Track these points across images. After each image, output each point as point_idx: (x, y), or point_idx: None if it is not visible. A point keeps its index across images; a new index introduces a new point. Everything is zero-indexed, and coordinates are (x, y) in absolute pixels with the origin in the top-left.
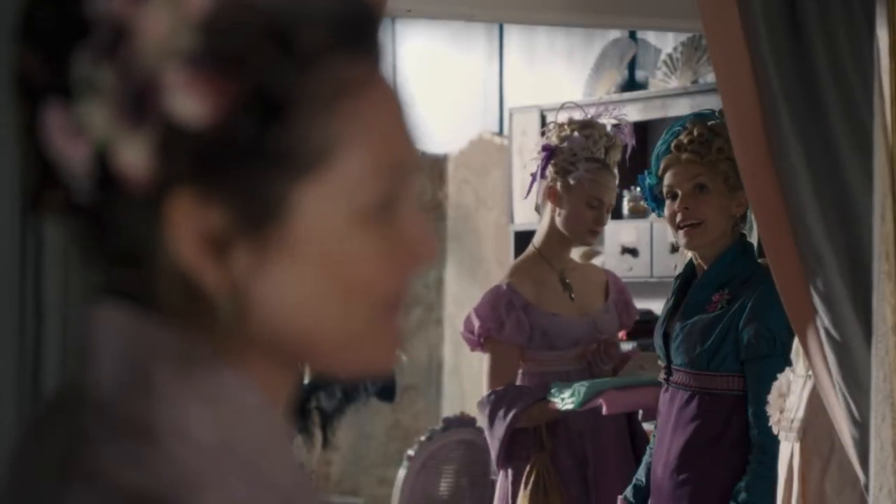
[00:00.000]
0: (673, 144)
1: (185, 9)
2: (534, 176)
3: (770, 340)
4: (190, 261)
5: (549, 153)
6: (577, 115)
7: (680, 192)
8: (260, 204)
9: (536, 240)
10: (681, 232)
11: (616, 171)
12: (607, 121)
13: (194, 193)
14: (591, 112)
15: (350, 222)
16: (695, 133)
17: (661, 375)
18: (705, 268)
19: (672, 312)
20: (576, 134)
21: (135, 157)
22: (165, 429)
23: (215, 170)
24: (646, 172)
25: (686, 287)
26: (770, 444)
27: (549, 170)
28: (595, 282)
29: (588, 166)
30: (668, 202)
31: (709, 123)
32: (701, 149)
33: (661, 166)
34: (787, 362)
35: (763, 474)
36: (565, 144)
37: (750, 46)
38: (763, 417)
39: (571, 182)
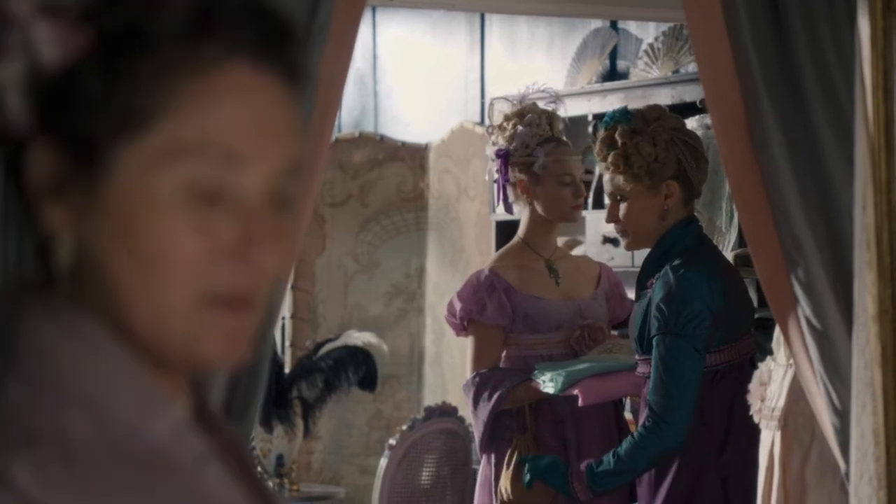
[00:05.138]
0: (597, 156)
1: None
2: (498, 182)
3: (660, 320)
4: (34, 203)
5: (505, 156)
6: (507, 108)
7: (610, 199)
8: (89, 156)
9: (520, 231)
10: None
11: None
12: (537, 98)
13: (44, 138)
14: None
15: (169, 196)
16: (599, 144)
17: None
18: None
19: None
20: (519, 128)
21: (12, 97)
22: (11, 379)
23: (58, 116)
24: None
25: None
26: (671, 420)
27: (511, 170)
28: (586, 272)
29: (546, 149)
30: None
31: (621, 128)
32: (615, 159)
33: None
34: (682, 336)
35: (647, 441)
36: (514, 144)
37: (731, 36)
38: (656, 396)
39: (537, 171)
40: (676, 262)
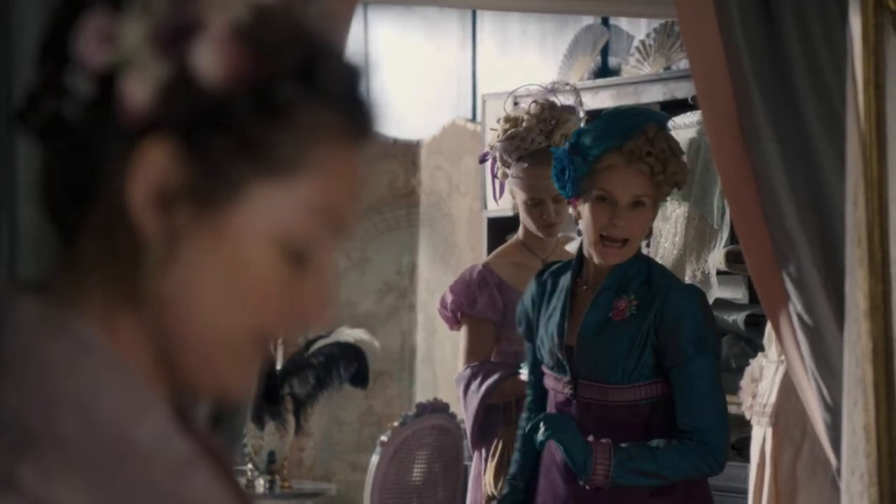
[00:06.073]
0: (626, 148)
1: None
2: (493, 177)
3: (696, 343)
4: (138, 203)
5: (492, 161)
6: (515, 106)
7: (618, 203)
8: (218, 180)
9: (519, 230)
10: (601, 246)
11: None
12: (561, 98)
13: (169, 146)
14: (549, 95)
15: (270, 243)
16: (655, 147)
17: (566, 391)
18: (594, 270)
19: (566, 321)
20: (498, 142)
21: (142, 86)
22: (2, 381)
23: (198, 131)
24: (569, 147)
25: (572, 291)
26: (718, 444)
27: (501, 170)
28: None
29: (516, 169)
30: (596, 204)
31: (667, 134)
32: (656, 165)
33: (603, 162)
34: (718, 359)
35: (692, 456)
36: (494, 151)
37: (723, 33)
38: (704, 421)
39: (509, 186)
40: (667, 281)
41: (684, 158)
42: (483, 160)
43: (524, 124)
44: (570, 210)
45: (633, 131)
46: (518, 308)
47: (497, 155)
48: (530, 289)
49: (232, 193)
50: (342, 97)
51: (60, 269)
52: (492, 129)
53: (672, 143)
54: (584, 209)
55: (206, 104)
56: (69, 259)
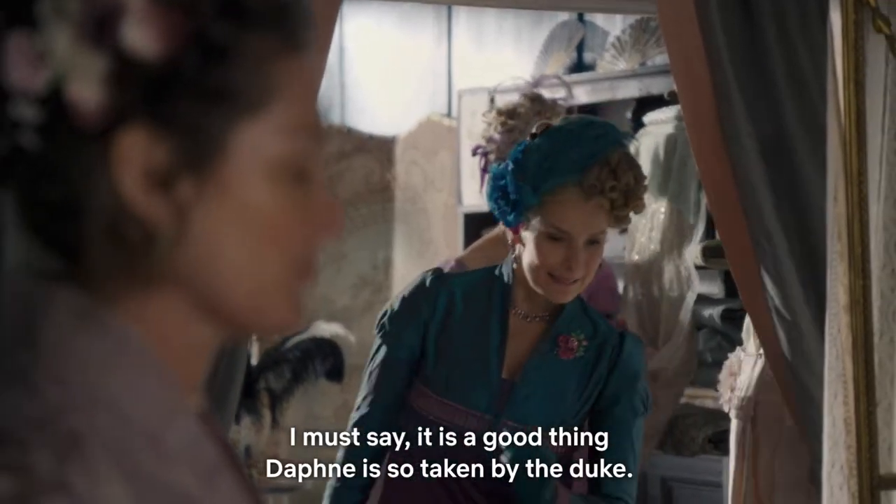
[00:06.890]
0: (587, 182)
1: None
2: (482, 171)
3: (644, 402)
4: (136, 197)
5: (484, 153)
6: (510, 98)
7: (573, 242)
8: (200, 140)
9: (499, 225)
10: (553, 283)
11: None
12: (550, 92)
13: (141, 129)
14: (535, 88)
15: (267, 174)
16: (620, 180)
17: (480, 430)
18: (527, 296)
19: (500, 352)
20: (497, 134)
21: (89, 87)
22: (42, 377)
23: (162, 105)
24: (513, 169)
25: (505, 317)
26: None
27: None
28: None
29: None
30: (546, 241)
31: (631, 158)
32: (618, 199)
33: (558, 195)
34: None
35: None
36: (491, 145)
37: (703, 30)
38: (629, 490)
39: None
40: (608, 325)
41: (646, 183)
42: (475, 153)
43: (521, 114)
44: (508, 235)
45: (593, 160)
46: (399, 308)
47: (494, 147)
48: (425, 295)
49: (218, 147)
50: (272, 12)
51: (67, 279)
52: (484, 121)
53: (637, 171)
54: (529, 240)
55: (155, 77)
56: (75, 270)
